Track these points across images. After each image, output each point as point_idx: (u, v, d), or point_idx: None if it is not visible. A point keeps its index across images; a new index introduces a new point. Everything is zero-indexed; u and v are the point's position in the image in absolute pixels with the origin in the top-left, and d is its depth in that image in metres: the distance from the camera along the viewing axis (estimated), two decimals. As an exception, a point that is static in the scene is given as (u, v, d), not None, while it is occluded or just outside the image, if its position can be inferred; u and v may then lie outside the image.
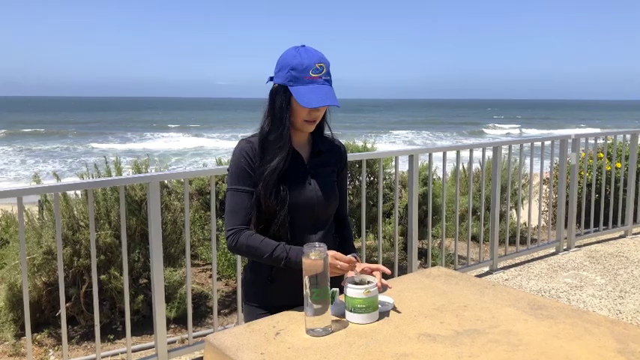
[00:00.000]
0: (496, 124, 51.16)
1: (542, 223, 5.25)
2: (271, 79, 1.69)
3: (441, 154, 4.15)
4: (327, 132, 1.83)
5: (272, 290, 1.74)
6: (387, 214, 4.67)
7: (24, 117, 55.49)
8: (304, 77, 1.60)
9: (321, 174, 1.75)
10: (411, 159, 3.90)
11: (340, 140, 1.92)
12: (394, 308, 1.62)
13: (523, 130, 44.54)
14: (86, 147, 28.80)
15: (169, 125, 46.26)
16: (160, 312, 2.91)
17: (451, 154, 4.23)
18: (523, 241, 5.00)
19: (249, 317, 1.76)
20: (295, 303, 1.61)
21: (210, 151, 26.79)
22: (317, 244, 1.48)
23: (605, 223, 5.40)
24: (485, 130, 44.28)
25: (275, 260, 1.64)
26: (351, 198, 4.46)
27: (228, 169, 1.73)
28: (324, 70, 1.62)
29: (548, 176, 6.13)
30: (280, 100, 1.65)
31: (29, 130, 38.03)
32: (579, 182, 5.29)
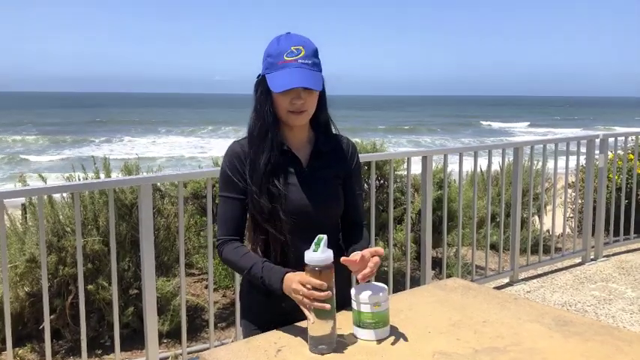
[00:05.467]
0: (532, 127, 47.40)
1: (567, 230, 5.21)
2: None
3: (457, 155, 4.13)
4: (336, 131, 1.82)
5: (271, 303, 1.72)
6: (399, 220, 4.64)
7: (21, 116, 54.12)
8: (278, 62, 1.60)
9: (320, 178, 1.73)
10: (425, 160, 3.88)
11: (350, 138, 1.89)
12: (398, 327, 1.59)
13: (563, 130, 40.60)
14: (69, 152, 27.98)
15: (173, 128, 43.38)
16: (152, 325, 2.91)
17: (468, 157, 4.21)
18: (546, 250, 4.96)
19: (248, 332, 1.74)
20: (297, 318, 1.58)
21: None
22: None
23: (637, 231, 5.35)
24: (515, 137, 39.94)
25: (253, 278, 1.65)
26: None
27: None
28: (302, 53, 1.60)
29: (574, 180, 6.08)
30: (260, 91, 1.66)
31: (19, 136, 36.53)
32: (608, 186, 5.24)
